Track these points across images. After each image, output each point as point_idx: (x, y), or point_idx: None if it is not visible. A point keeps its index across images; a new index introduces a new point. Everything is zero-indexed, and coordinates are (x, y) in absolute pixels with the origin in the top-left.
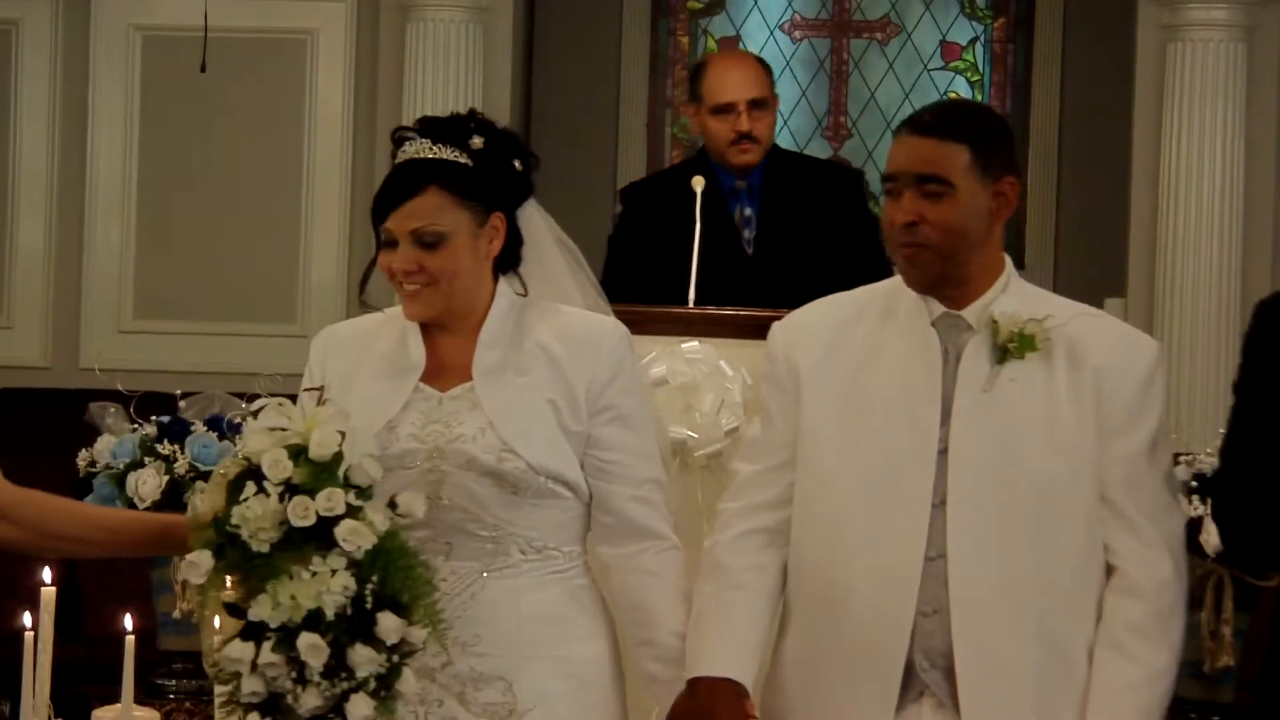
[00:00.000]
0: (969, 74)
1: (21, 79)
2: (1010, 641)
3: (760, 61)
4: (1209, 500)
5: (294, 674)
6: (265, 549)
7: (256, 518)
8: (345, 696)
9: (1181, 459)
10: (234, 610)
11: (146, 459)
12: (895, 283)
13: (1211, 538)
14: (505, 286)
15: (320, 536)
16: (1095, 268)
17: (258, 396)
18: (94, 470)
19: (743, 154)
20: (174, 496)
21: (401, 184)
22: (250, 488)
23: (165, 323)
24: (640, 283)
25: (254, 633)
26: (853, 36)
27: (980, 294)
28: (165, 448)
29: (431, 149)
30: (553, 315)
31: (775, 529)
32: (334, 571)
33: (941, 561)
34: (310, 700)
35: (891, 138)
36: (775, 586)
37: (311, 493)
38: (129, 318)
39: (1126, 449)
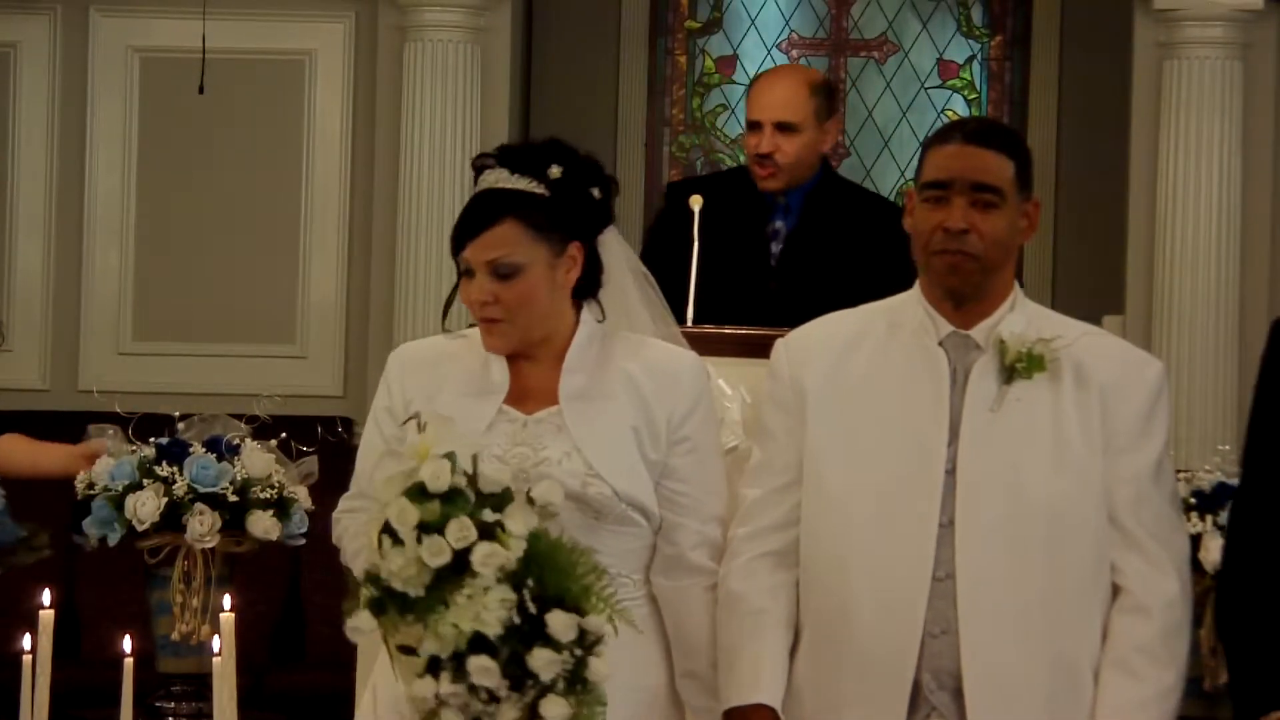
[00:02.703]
0: (966, 92)
1: (20, 101)
2: (1019, 662)
3: (813, 84)
4: (1207, 517)
5: (485, 695)
6: (422, 592)
7: (400, 568)
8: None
9: (1180, 475)
10: (408, 650)
11: (145, 481)
12: (898, 300)
13: (1210, 554)
14: (588, 314)
15: (469, 564)
16: (1093, 285)
17: (257, 418)
18: (93, 492)
19: (763, 178)
20: (173, 518)
21: (479, 214)
22: (386, 541)
23: (164, 344)
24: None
25: (435, 667)
26: (850, 55)
27: (990, 313)
28: (164, 469)
29: (510, 178)
30: (635, 345)
31: (785, 550)
32: (486, 589)
33: (950, 582)
34: (508, 713)
35: (932, 147)
36: (793, 605)
37: (442, 529)
38: (128, 339)
39: (1132, 469)
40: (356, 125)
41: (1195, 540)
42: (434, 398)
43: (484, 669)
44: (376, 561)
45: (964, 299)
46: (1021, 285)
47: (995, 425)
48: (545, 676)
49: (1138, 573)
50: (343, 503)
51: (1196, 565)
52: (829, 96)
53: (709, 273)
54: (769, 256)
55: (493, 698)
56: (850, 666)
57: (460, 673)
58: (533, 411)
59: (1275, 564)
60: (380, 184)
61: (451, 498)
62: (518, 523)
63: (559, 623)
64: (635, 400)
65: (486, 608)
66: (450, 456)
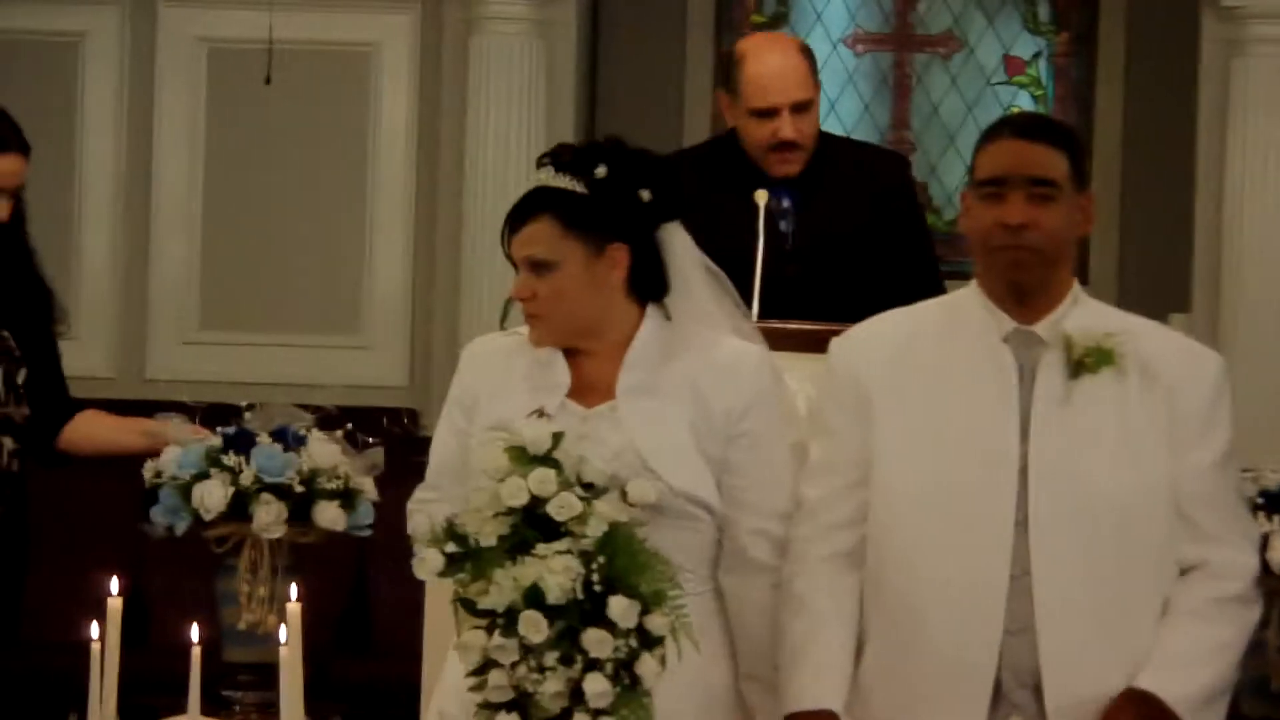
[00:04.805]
0: (1032, 88)
1: (87, 91)
2: (1095, 657)
3: (804, 50)
4: (1275, 517)
5: (534, 663)
6: (492, 541)
7: (477, 509)
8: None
9: (1246, 474)
10: (467, 605)
11: (212, 470)
12: (957, 297)
13: (1277, 554)
14: (654, 311)
15: (543, 526)
16: (1159, 283)
17: (322, 408)
18: (160, 481)
19: (784, 164)
20: (239, 508)
21: (519, 211)
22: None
23: (230, 334)
24: None
25: (490, 622)
26: (915, 51)
27: (1052, 309)
28: (230, 459)
29: (554, 177)
30: (699, 343)
31: (850, 551)
32: (556, 553)
33: (1026, 580)
34: (551, 686)
35: (983, 145)
36: (856, 607)
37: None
38: (194, 329)
39: (1199, 463)
40: (422, 116)
41: (1263, 540)
42: (498, 393)
43: (534, 622)
44: (458, 513)
45: (1027, 294)
46: (1087, 282)
47: (1064, 421)
48: (594, 653)
49: (1211, 552)
50: (415, 494)
51: (1264, 565)
52: (812, 58)
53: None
54: (782, 239)
55: (540, 668)
56: (927, 667)
57: (512, 629)
58: (592, 406)
59: None
60: (445, 175)
61: (549, 463)
62: (606, 507)
63: (620, 607)
64: (694, 398)
65: (551, 570)
66: (558, 435)
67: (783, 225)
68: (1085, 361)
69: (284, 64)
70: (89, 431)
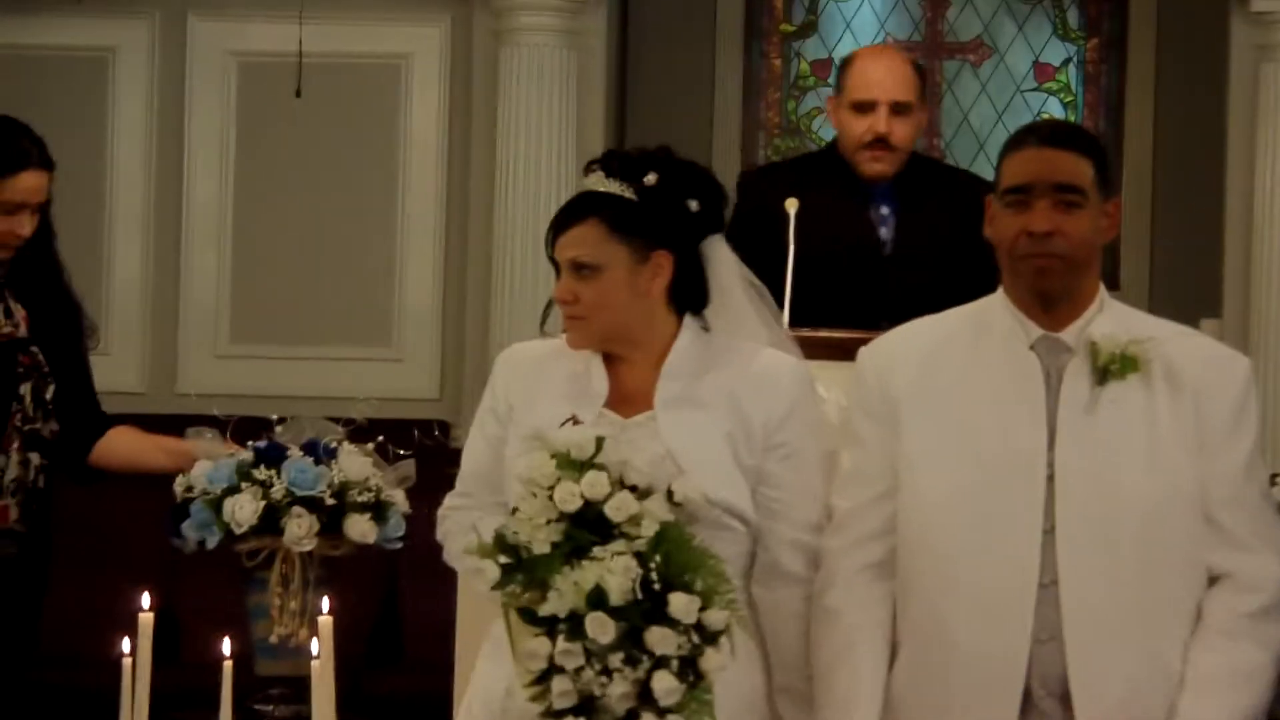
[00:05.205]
0: (1062, 95)
1: (118, 106)
2: (1122, 665)
3: (915, 65)
4: None
5: (598, 667)
6: (546, 549)
7: (529, 517)
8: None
9: (1277, 480)
10: (528, 614)
11: (243, 484)
12: (983, 304)
13: None
14: (691, 321)
15: (596, 529)
16: (1190, 288)
17: (353, 421)
18: (191, 495)
19: (874, 161)
20: (271, 521)
21: (567, 213)
22: (522, 506)
23: (261, 347)
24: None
25: (551, 628)
26: (945, 58)
27: (1078, 315)
28: (262, 473)
29: (604, 181)
30: (736, 354)
31: (882, 561)
32: (614, 555)
33: (1054, 588)
34: (618, 688)
35: (1008, 153)
36: (889, 617)
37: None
38: (225, 343)
39: (1226, 467)
40: (452, 128)
41: None
42: (534, 400)
43: (601, 623)
44: (508, 524)
45: (1053, 301)
46: (1119, 288)
47: (1091, 428)
48: (660, 650)
49: (1239, 561)
50: (447, 500)
51: None
52: (923, 76)
53: (812, 268)
54: (879, 245)
55: (605, 670)
56: (956, 676)
57: (577, 633)
58: (630, 415)
59: None
60: (476, 187)
61: (594, 468)
62: (655, 508)
63: (680, 603)
64: (732, 409)
65: (611, 570)
66: (600, 440)
67: (882, 232)
68: (1111, 368)
69: (314, 77)
70: (118, 448)
